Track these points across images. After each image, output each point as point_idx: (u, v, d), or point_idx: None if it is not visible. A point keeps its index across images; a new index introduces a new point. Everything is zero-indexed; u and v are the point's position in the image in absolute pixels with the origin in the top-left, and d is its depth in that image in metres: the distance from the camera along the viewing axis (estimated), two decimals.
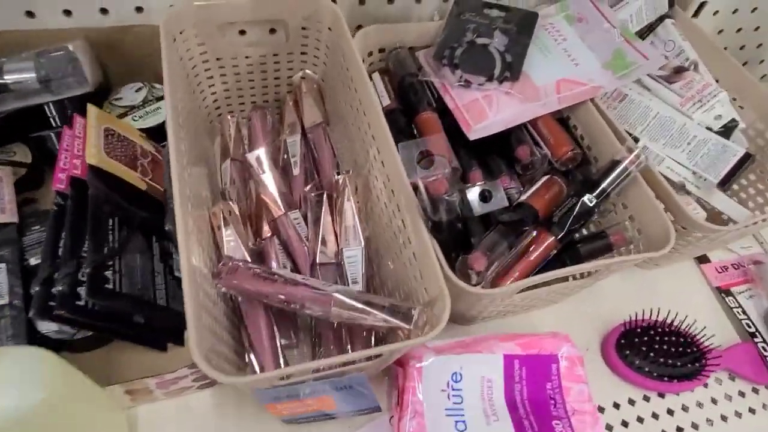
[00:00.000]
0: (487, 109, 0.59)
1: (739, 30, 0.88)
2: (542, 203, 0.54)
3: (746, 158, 0.60)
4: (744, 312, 0.65)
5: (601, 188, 0.53)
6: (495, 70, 0.61)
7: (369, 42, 0.63)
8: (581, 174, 0.59)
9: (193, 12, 0.59)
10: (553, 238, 0.53)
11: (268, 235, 0.57)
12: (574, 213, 0.53)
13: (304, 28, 0.64)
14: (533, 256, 0.53)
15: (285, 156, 0.64)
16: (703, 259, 0.69)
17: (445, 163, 0.41)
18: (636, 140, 0.62)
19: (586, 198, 0.53)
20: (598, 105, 0.60)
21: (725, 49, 0.91)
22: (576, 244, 0.55)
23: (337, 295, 0.45)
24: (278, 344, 0.51)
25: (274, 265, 0.56)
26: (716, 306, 0.66)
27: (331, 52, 0.64)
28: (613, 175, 0.53)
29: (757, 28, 0.89)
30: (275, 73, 0.68)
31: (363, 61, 0.63)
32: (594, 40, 0.64)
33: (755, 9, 0.85)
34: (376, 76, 0.64)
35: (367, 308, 0.44)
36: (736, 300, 0.66)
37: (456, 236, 0.49)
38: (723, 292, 0.66)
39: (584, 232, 0.61)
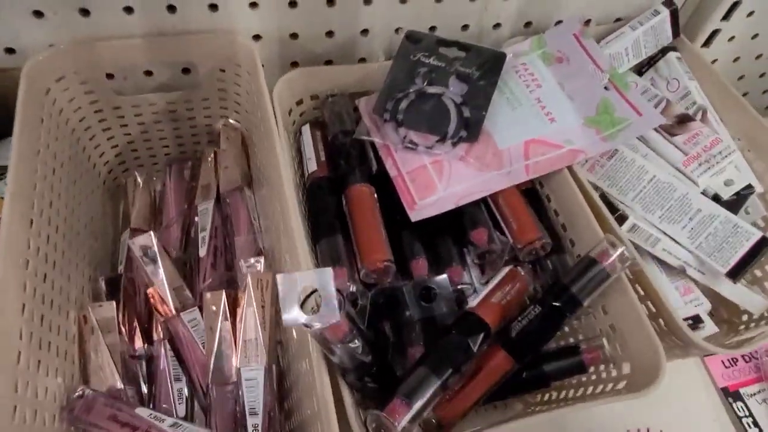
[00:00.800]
0: (436, 180, 0.47)
1: (758, 57, 0.75)
2: (496, 311, 0.42)
3: (763, 244, 0.48)
4: (755, 423, 0.53)
5: (570, 295, 0.41)
6: (449, 127, 0.49)
7: (296, 89, 0.52)
8: (552, 264, 0.47)
9: (71, 55, 0.47)
10: (508, 356, 0.41)
11: (158, 339, 0.46)
12: (536, 327, 0.41)
13: (222, 70, 0.53)
14: (483, 378, 0.41)
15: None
16: None
17: (335, 305, 0.30)
18: (623, 219, 0.50)
19: (551, 308, 0.41)
20: (576, 175, 0.48)
21: (742, 78, 0.78)
22: (541, 360, 0.44)
23: None
24: None
25: (165, 374, 0.45)
26: (722, 414, 0.54)
27: (252, 99, 0.52)
28: (588, 277, 0.41)
29: None
30: (190, 122, 0.57)
31: (290, 112, 0.52)
32: (576, 86, 0.52)
33: None
34: (306, 130, 0.53)
35: None
36: (746, 407, 0.54)
37: (371, 372, 0.37)
38: (730, 395, 0.54)
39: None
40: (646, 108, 0.49)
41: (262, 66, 0.56)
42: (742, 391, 0.55)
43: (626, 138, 0.49)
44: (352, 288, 0.42)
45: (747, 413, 0.53)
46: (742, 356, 0.57)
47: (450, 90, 0.50)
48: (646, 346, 0.40)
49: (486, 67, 0.51)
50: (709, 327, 0.50)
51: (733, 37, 0.70)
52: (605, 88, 0.51)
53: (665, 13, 0.59)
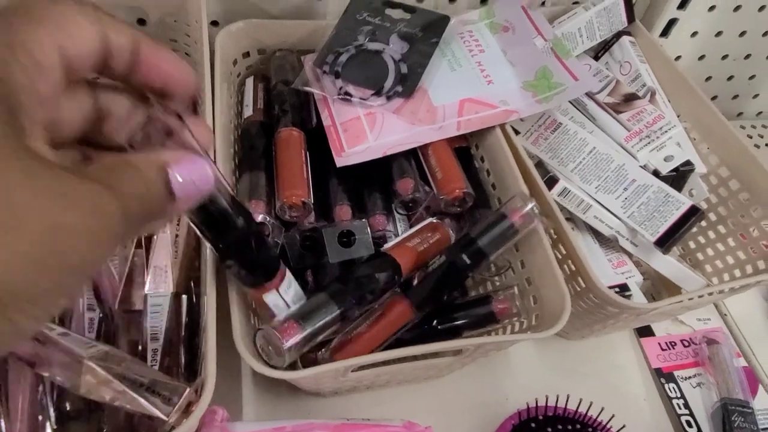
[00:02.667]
0: (367, 131, 0.48)
1: (725, 57, 0.76)
2: (410, 255, 0.41)
3: (692, 213, 0.47)
4: (686, 405, 0.51)
5: (477, 248, 0.41)
6: (385, 82, 0.49)
7: (242, 40, 0.53)
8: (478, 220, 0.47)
9: None
10: (409, 305, 0.40)
11: None
12: (438, 277, 0.40)
13: (175, 21, 0.54)
14: (384, 325, 0.41)
15: None
16: (645, 331, 0.56)
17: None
18: (554, 181, 0.49)
19: (455, 259, 0.41)
20: (508, 134, 0.48)
21: (709, 78, 0.79)
22: (453, 309, 0.43)
23: (89, 362, 0.34)
24: (48, 415, 0.40)
25: (80, 303, 0.45)
26: (653, 393, 0.53)
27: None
28: (496, 232, 0.41)
29: (748, 56, 0.76)
30: None
31: (235, 62, 0.53)
32: (518, 54, 0.52)
33: (744, 33, 0.72)
34: (249, 81, 0.53)
35: (121, 385, 0.33)
36: (678, 388, 0.52)
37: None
38: (663, 376, 0.53)
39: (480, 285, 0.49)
40: (583, 73, 0.50)
41: (217, 23, 0.57)
42: (676, 373, 0.53)
43: (561, 100, 0.49)
44: (266, 219, 0.42)
45: (678, 395, 0.52)
46: (681, 341, 0.56)
47: (390, 47, 0.51)
48: (554, 293, 0.39)
49: (429, 29, 0.51)
50: (638, 297, 0.49)
51: (696, 33, 0.70)
52: (547, 56, 0.52)
53: None
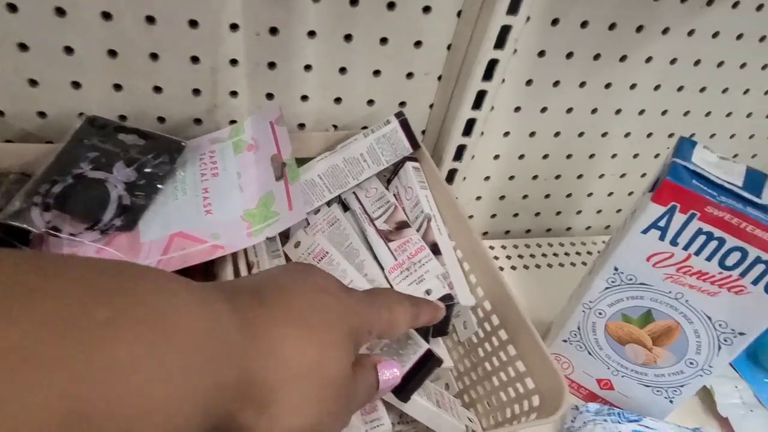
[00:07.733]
0: None
1: (535, 177, 0.76)
2: None
3: (427, 358, 0.43)
4: None
5: None
6: (104, 215, 0.45)
7: None
8: None
9: None
10: None
11: None
12: None
13: None
14: None
15: None
16: None
17: None
18: None
19: None
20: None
21: (526, 197, 0.78)
22: None
23: None
24: None
25: None
26: None
27: None
28: None
29: (557, 176, 0.77)
30: None
31: None
32: (252, 176, 0.49)
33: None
34: None
35: None
36: None
37: None
38: None
39: None
40: (298, 203, 0.46)
41: None
42: None
43: (269, 233, 0.45)
44: None
45: None
46: None
47: (115, 176, 0.47)
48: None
49: (162, 157, 0.48)
50: None
51: (498, 156, 0.70)
52: (278, 178, 0.48)
53: (395, 123, 0.59)
